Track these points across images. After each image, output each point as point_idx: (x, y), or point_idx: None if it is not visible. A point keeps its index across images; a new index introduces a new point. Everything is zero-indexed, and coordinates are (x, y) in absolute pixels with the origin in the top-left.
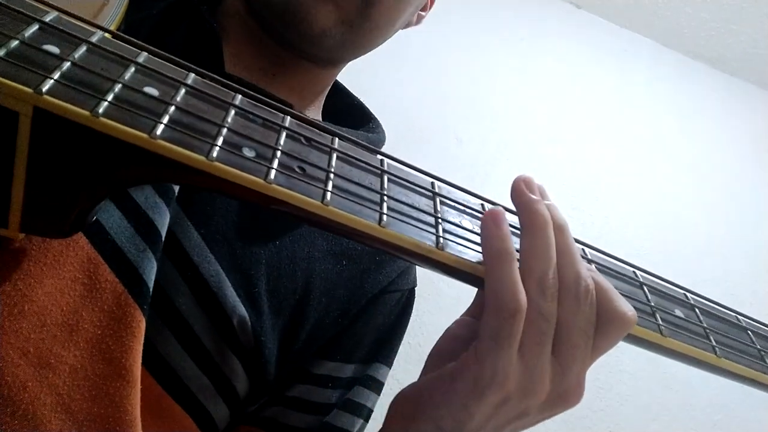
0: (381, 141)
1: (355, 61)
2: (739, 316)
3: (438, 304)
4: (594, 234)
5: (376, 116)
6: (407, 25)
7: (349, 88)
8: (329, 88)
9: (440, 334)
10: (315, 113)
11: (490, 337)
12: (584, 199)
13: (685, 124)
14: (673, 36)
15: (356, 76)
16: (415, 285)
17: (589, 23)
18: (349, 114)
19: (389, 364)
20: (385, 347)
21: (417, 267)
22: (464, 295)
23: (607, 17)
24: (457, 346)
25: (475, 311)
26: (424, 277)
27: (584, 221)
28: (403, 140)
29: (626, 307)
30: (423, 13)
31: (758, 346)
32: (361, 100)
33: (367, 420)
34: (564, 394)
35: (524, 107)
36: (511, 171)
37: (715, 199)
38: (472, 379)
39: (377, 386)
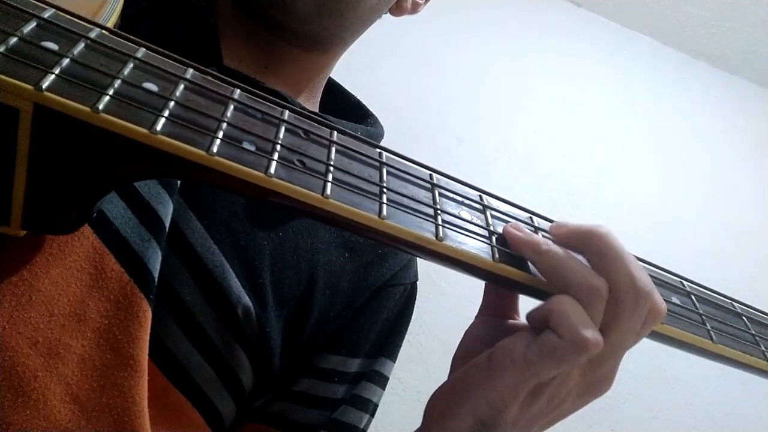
0: (380, 135)
1: (355, 60)
2: (734, 303)
3: (439, 303)
4: None
5: (374, 113)
6: (401, 12)
7: (349, 87)
8: (325, 81)
9: (441, 333)
10: (312, 106)
11: (550, 354)
12: (584, 198)
13: (685, 123)
14: (673, 34)
15: (356, 75)
16: (416, 279)
17: (589, 22)
18: (348, 112)
19: (394, 359)
20: (390, 342)
21: (418, 262)
22: (465, 294)
23: (607, 15)
24: (480, 347)
25: (488, 309)
26: (426, 276)
27: (585, 220)
28: (403, 139)
29: (660, 300)
30: (420, 0)
31: (753, 332)
32: (362, 98)
33: (372, 415)
34: (599, 383)
35: (524, 106)
36: (512, 170)
37: (715, 197)
38: (515, 375)
39: (383, 381)
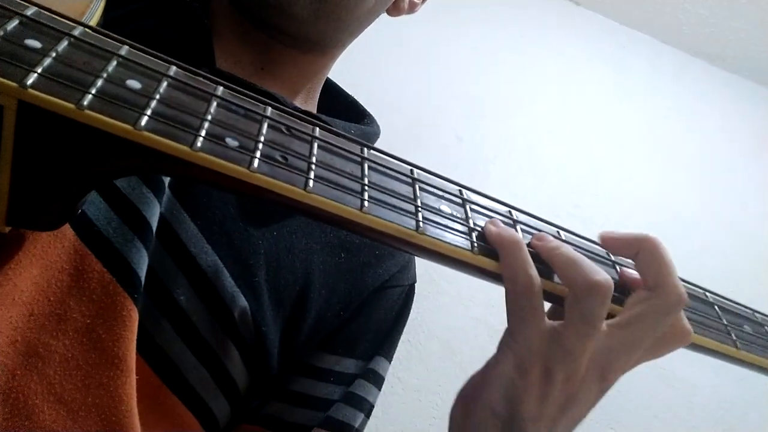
0: (376, 134)
1: (355, 58)
2: (706, 293)
3: (438, 302)
4: (595, 232)
5: (370, 112)
6: (398, 11)
7: (348, 87)
8: (322, 82)
9: (441, 332)
10: (310, 107)
11: (514, 314)
12: (584, 196)
13: (684, 122)
14: (672, 33)
15: (356, 75)
16: (415, 281)
17: (588, 20)
18: (345, 111)
19: (390, 359)
20: (387, 342)
21: (417, 262)
22: (464, 293)
23: (606, 14)
24: None
25: None
26: (425, 275)
27: (585, 219)
28: (403, 138)
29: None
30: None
31: (725, 321)
32: (361, 97)
33: (368, 416)
34: (608, 372)
35: (524, 105)
36: (511, 169)
37: (715, 196)
38: (513, 357)
39: (378, 380)
